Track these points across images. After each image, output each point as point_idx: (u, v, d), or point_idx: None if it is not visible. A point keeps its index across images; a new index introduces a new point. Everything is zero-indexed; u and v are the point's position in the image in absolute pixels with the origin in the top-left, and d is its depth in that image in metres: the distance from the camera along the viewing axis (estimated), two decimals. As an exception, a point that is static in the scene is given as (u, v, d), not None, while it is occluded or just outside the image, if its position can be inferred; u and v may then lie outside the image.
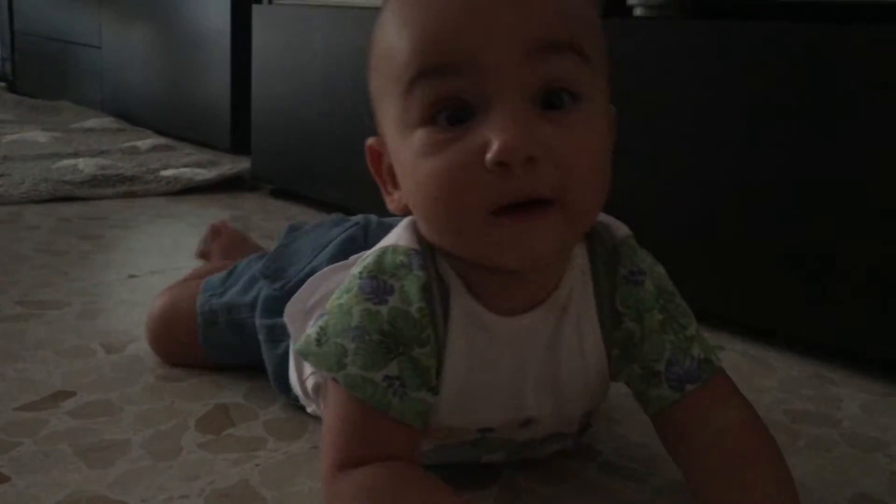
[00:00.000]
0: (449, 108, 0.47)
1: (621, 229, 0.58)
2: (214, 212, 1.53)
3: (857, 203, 0.86)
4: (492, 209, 0.47)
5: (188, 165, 1.79)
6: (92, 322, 0.92)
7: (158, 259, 1.19)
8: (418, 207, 0.51)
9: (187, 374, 0.79)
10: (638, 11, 1.03)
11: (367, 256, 0.55)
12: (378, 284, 0.53)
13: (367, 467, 0.51)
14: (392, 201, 0.55)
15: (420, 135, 0.48)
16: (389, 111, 0.51)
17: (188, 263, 1.14)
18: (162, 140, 2.08)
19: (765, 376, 0.88)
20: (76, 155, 1.83)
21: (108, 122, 2.33)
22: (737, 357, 0.93)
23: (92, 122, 2.30)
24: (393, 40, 0.49)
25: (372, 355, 0.52)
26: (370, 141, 0.56)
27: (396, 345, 0.52)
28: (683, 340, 0.56)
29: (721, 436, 0.55)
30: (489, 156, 0.45)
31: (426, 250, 0.54)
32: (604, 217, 0.58)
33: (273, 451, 0.67)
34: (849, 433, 0.76)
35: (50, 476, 0.61)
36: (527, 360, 0.55)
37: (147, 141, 2.04)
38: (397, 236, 0.55)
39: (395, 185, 0.54)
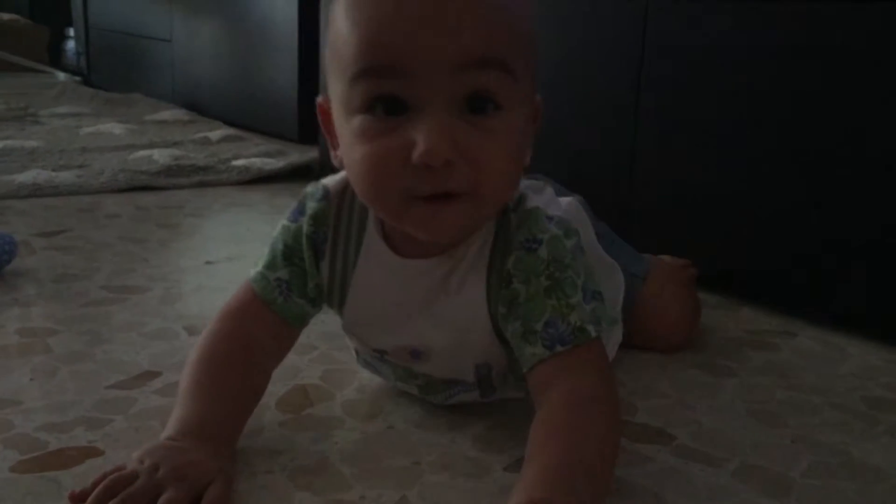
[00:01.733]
0: (385, 102, 0.55)
1: (532, 200, 0.64)
2: (284, 200, 1.56)
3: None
4: (409, 196, 0.55)
5: (258, 155, 1.83)
6: (173, 306, 0.96)
7: (233, 246, 1.22)
8: (351, 177, 0.60)
9: (266, 356, 0.81)
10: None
11: None
12: (298, 207, 0.67)
13: (219, 332, 0.66)
14: (335, 157, 0.63)
15: (359, 120, 0.56)
16: (336, 90, 0.58)
17: (261, 250, 1.17)
18: (231, 131, 2.12)
19: (841, 363, 0.87)
20: (151, 146, 1.89)
21: (179, 113, 2.39)
22: (812, 344, 0.92)
23: (164, 114, 2.36)
24: (343, 31, 0.56)
25: (274, 259, 0.67)
26: (320, 100, 0.64)
27: (293, 255, 0.66)
28: (564, 307, 0.60)
29: (549, 401, 0.58)
30: (414, 156, 0.53)
31: (351, 193, 0.64)
32: (531, 185, 0.66)
33: (350, 430, 0.68)
34: (930, 421, 0.75)
35: (142, 451, 0.63)
36: (411, 298, 0.64)
37: (217, 132, 2.09)
38: (333, 176, 0.67)
39: (339, 144, 0.62)
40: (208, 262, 1.13)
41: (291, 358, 0.72)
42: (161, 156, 1.75)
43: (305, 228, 0.66)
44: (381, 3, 0.54)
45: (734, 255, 1.01)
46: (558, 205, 0.66)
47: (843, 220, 0.91)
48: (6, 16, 3.44)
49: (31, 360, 0.79)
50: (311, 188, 0.68)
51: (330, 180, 0.67)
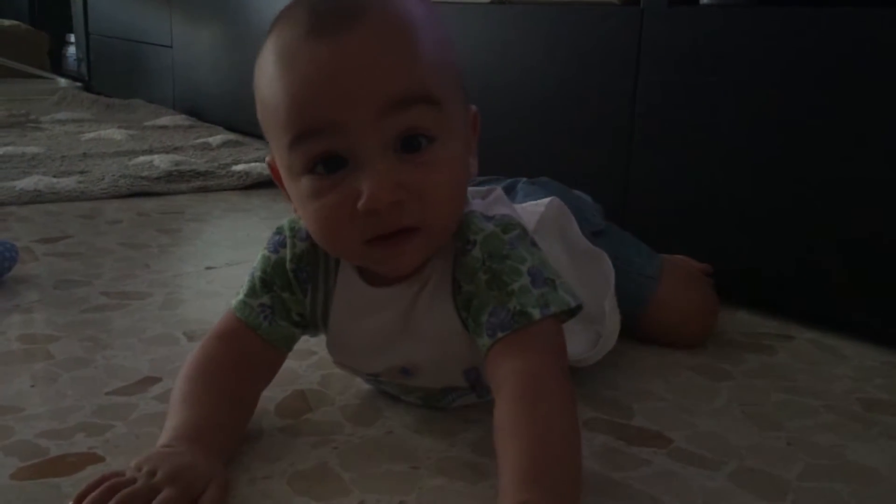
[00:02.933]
0: (324, 161, 0.57)
1: (469, 206, 0.65)
2: (284, 205, 1.56)
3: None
4: (365, 239, 0.59)
5: (258, 160, 1.83)
6: (174, 312, 0.96)
7: (233, 251, 1.23)
8: (311, 233, 0.63)
9: (265, 362, 0.82)
10: (705, 0, 1.03)
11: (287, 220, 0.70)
12: (278, 239, 0.69)
13: (208, 351, 0.67)
14: (295, 209, 0.65)
15: (304, 182, 0.59)
16: (277, 153, 0.61)
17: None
18: (231, 136, 2.13)
19: (837, 365, 0.88)
20: (151, 151, 1.89)
21: (179, 119, 2.39)
22: (808, 346, 0.93)
23: (165, 120, 2.37)
24: (272, 98, 0.59)
25: (253, 288, 0.69)
26: (268, 159, 0.66)
27: (272, 284, 0.68)
28: (504, 295, 0.61)
29: (502, 395, 0.58)
30: (360, 204, 0.56)
31: None
32: (481, 191, 0.69)
33: (349, 435, 0.69)
34: (926, 423, 0.75)
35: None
36: (388, 322, 0.66)
37: (217, 137, 2.09)
38: None
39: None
40: (209, 268, 1.14)
41: (290, 363, 0.73)
42: (162, 161, 1.76)
43: (289, 265, 0.68)
44: (300, 66, 0.57)
45: (730, 258, 1.01)
46: (504, 203, 0.68)
47: (839, 222, 0.92)
48: (7, 22, 3.45)
49: (32, 366, 0.80)
50: (293, 223, 0.69)
51: None
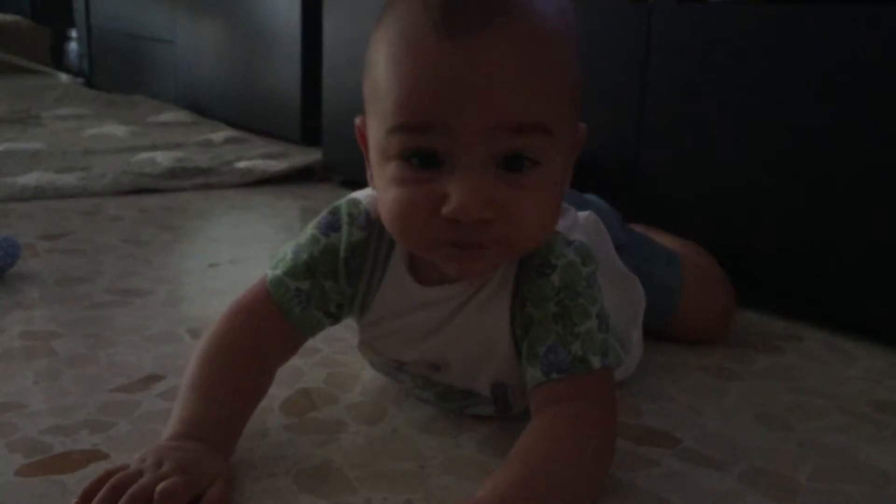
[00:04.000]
0: (421, 155, 0.55)
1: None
2: (287, 203, 1.56)
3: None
4: (440, 240, 0.56)
5: (261, 157, 1.83)
6: (177, 309, 0.96)
7: (236, 249, 1.22)
8: (382, 214, 0.60)
9: (270, 359, 0.81)
10: (714, -4, 1.02)
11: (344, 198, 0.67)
12: (332, 220, 0.66)
13: (227, 326, 0.65)
14: (371, 177, 0.62)
15: (395, 166, 0.56)
16: (374, 131, 0.59)
17: (264, 253, 1.17)
18: (234, 133, 2.12)
19: (848, 366, 0.87)
20: (154, 148, 1.89)
21: (182, 115, 2.39)
22: (819, 347, 0.92)
23: (167, 116, 2.36)
24: (383, 81, 0.56)
25: (296, 268, 0.65)
26: (358, 121, 0.63)
27: (316, 270, 0.65)
28: (569, 335, 0.60)
29: (541, 420, 0.58)
30: (445, 210, 0.54)
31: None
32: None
33: (355, 433, 0.68)
34: (937, 424, 0.74)
35: (146, 454, 0.63)
36: (430, 319, 0.64)
37: (220, 133, 2.09)
38: (367, 194, 0.66)
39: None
40: (212, 265, 1.13)
41: (294, 361, 0.72)
42: (164, 158, 1.76)
43: (342, 253, 0.65)
44: (423, 61, 0.53)
45: (739, 259, 1.00)
46: (581, 229, 0.66)
47: (850, 222, 0.91)
48: (8, 17, 3.44)
49: (35, 363, 0.79)
50: (351, 208, 0.66)
51: (371, 204, 0.66)
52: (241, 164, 1.75)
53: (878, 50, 0.87)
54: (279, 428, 0.69)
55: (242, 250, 1.21)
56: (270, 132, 2.16)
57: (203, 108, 2.47)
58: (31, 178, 1.55)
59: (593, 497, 0.57)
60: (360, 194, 0.67)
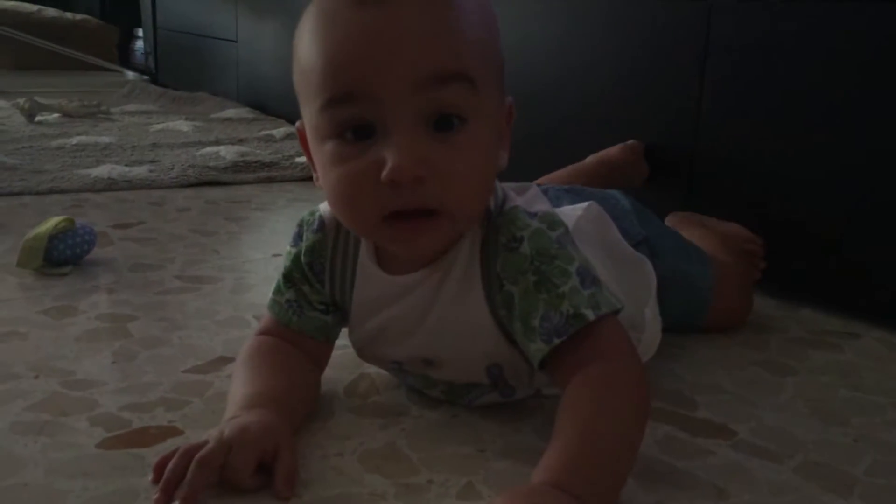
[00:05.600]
0: (354, 127, 0.57)
1: (514, 201, 0.64)
2: (347, 196, 1.59)
3: None
4: (384, 214, 0.58)
5: (320, 152, 1.87)
6: (244, 296, 0.99)
7: (298, 240, 1.25)
8: (329, 200, 0.63)
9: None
10: (775, -6, 1.02)
11: None
12: (297, 232, 0.70)
13: (259, 342, 0.70)
14: (317, 180, 0.64)
15: (330, 146, 0.58)
16: (307, 117, 0.61)
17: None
18: (293, 129, 2.16)
19: (906, 364, 0.87)
20: (217, 143, 1.94)
21: (243, 111, 2.44)
22: (876, 345, 0.91)
23: (229, 112, 2.42)
24: (308, 59, 0.58)
25: (279, 284, 0.71)
26: (298, 125, 0.66)
27: (293, 278, 0.70)
28: (555, 298, 0.60)
29: (569, 391, 0.58)
30: (384, 174, 0.55)
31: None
32: (515, 186, 0.67)
33: (416, 417, 0.71)
34: None
35: (219, 431, 0.66)
36: (408, 311, 0.66)
37: (280, 129, 2.13)
38: (326, 202, 0.67)
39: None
40: (276, 255, 1.17)
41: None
42: (228, 152, 1.80)
43: (303, 258, 0.69)
44: (340, 31, 0.56)
45: (795, 254, 1.00)
46: (544, 201, 0.67)
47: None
48: (78, 16, 3.55)
49: (113, 343, 0.83)
50: (308, 216, 0.70)
51: (325, 209, 0.69)
52: (302, 160, 1.79)
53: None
54: (343, 410, 0.71)
55: (304, 242, 1.24)
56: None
57: (264, 104, 2.52)
58: (103, 171, 1.61)
59: (636, 448, 0.57)
60: (322, 204, 0.70)
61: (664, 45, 1.16)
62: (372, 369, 0.79)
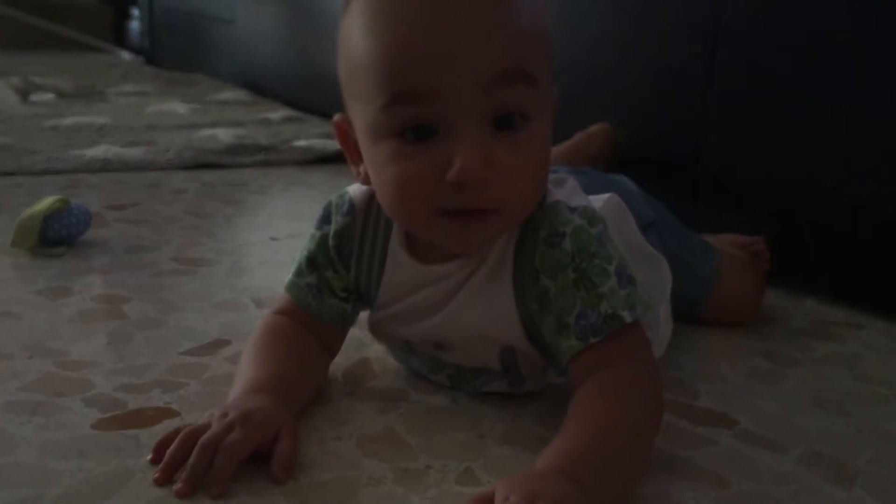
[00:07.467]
0: (415, 127, 0.55)
1: (554, 194, 0.63)
2: (344, 181, 1.57)
3: None
4: (441, 210, 0.57)
5: (318, 136, 1.85)
6: (240, 279, 0.98)
7: (295, 224, 1.24)
8: (380, 196, 0.61)
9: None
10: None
11: None
12: (324, 215, 0.69)
13: (271, 322, 0.69)
14: (358, 173, 0.64)
15: (390, 144, 0.57)
16: (360, 114, 0.59)
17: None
18: (292, 112, 2.15)
19: (908, 356, 0.86)
20: (214, 125, 1.93)
21: (240, 94, 2.43)
22: (879, 336, 0.91)
23: (226, 95, 2.40)
24: (363, 56, 0.56)
25: (301, 267, 0.69)
26: (337, 118, 0.64)
27: (317, 262, 0.68)
28: (594, 297, 0.60)
29: (585, 386, 0.59)
30: (450, 174, 0.54)
31: (377, 206, 0.65)
32: (553, 178, 0.65)
33: (414, 402, 0.70)
34: None
35: (216, 414, 0.65)
36: (435, 298, 0.65)
37: (278, 113, 2.12)
38: (356, 185, 0.67)
39: (360, 159, 0.62)
40: (273, 238, 1.16)
41: (354, 332, 0.74)
42: (225, 135, 1.79)
43: (331, 242, 0.68)
44: (402, 26, 0.54)
45: (801, 245, 1.00)
46: (582, 195, 0.66)
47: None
48: (74, -4, 3.53)
49: (108, 324, 0.82)
50: (337, 199, 0.69)
51: (355, 192, 0.68)
52: (300, 143, 1.77)
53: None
54: (342, 395, 0.70)
55: (302, 225, 1.23)
56: (327, 113, 2.17)
57: (261, 87, 2.50)
58: (98, 151, 1.59)
59: (647, 453, 0.58)
60: (351, 187, 0.69)
61: (672, 30, 1.15)
62: (371, 354, 0.78)
